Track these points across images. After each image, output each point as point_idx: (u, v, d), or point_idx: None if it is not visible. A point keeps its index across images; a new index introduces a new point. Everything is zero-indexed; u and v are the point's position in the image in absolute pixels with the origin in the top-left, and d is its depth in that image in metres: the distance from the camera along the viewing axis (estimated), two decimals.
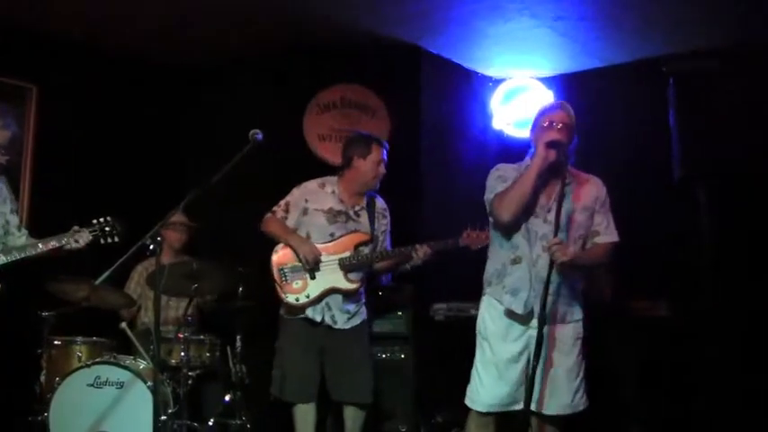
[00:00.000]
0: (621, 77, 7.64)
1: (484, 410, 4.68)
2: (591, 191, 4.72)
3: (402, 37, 7.26)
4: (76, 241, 5.17)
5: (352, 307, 5.74)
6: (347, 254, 5.69)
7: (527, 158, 4.74)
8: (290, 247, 5.71)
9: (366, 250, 5.76)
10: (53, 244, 5.10)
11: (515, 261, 4.64)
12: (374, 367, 5.91)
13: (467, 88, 7.97)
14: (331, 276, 5.67)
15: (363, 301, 5.86)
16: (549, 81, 7.99)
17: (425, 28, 7.10)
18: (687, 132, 7.20)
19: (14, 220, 5.26)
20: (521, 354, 4.63)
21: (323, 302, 5.66)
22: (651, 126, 7.25)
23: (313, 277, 5.66)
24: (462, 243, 5.53)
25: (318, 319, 5.66)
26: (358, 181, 5.82)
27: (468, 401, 4.74)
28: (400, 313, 6.57)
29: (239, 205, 6.74)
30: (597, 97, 7.69)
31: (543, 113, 4.72)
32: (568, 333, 4.65)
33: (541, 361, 4.39)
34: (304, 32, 7.20)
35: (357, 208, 5.84)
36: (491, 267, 4.80)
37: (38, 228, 5.35)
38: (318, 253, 5.65)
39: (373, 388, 5.79)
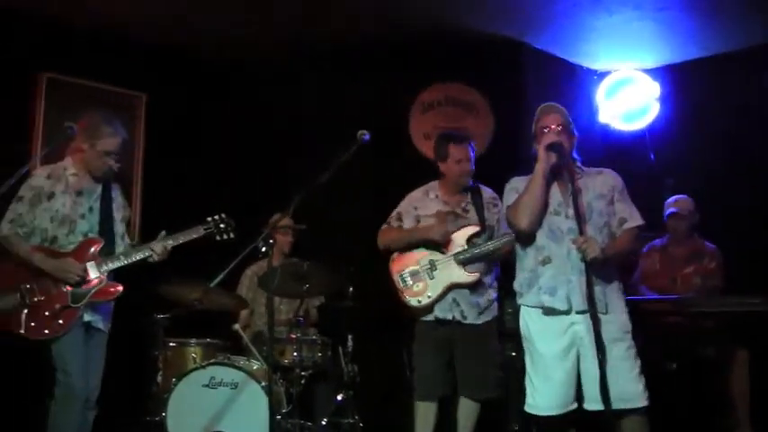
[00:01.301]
0: (727, 66, 7.48)
1: (540, 414, 4.63)
2: (605, 181, 4.78)
3: (505, 33, 7.22)
4: (153, 250, 5.22)
5: (481, 301, 5.71)
6: (461, 248, 5.68)
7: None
8: (417, 238, 5.75)
9: (480, 241, 5.74)
10: (139, 256, 5.18)
11: (545, 261, 4.67)
12: (502, 360, 5.91)
13: (571, 83, 7.88)
14: (449, 273, 5.66)
15: (495, 297, 5.82)
16: (654, 72, 7.85)
17: (529, 24, 7.05)
18: None
19: (122, 229, 5.37)
20: (567, 351, 4.59)
21: (450, 299, 5.66)
22: (761, 115, 7.13)
23: (432, 278, 5.67)
24: None
25: (449, 317, 5.65)
26: (450, 182, 5.86)
27: (525, 407, 4.71)
28: (510, 310, 6.50)
29: (347, 206, 6.77)
30: (703, 87, 7.57)
31: (537, 122, 4.81)
32: (616, 325, 4.58)
33: (590, 355, 4.38)
34: (406, 31, 7.20)
35: (463, 204, 5.86)
36: (520, 277, 4.83)
37: (150, 233, 5.45)
38: (444, 227, 5.68)
39: (499, 384, 5.77)
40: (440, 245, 5.68)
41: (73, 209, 5.09)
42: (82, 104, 6.53)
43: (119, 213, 5.35)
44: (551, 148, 4.61)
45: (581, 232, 4.42)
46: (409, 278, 5.71)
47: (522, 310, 4.79)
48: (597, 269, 4.53)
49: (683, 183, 6.96)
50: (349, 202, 6.91)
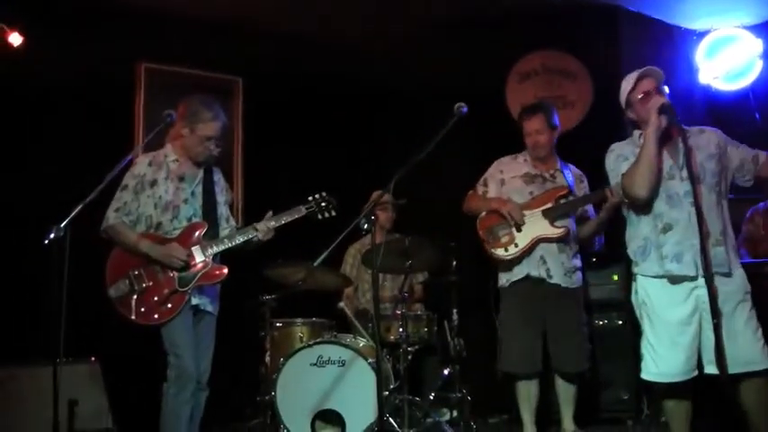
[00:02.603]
0: None
1: (657, 380, 4.56)
2: (710, 139, 4.66)
3: None
4: (257, 230, 5.25)
5: (567, 261, 5.68)
6: (550, 205, 5.68)
7: (635, 135, 4.76)
8: (494, 209, 5.75)
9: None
10: (242, 238, 5.22)
11: (666, 228, 4.57)
12: (591, 334, 5.86)
13: (669, 44, 7.70)
14: (537, 226, 5.67)
15: (580, 266, 5.79)
16: (757, 29, 7.62)
17: None
18: None
19: (225, 211, 5.43)
20: (692, 316, 4.49)
21: (537, 256, 5.65)
22: None
23: (519, 230, 5.67)
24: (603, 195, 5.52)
25: (535, 273, 5.64)
26: (531, 153, 5.89)
27: (645, 375, 4.63)
28: (616, 278, 6.45)
29: (447, 180, 6.75)
30: None
31: (632, 89, 4.72)
32: (736, 284, 4.50)
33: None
34: (499, 2, 7.13)
35: (552, 171, 5.87)
36: (634, 245, 4.73)
37: (252, 215, 5.50)
38: (520, 208, 5.68)
39: (588, 356, 5.72)
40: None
41: (176, 194, 5.16)
42: (180, 92, 6.61)
43: (222, 197, 5.41)
44: (663, 110, 4.48)
45: (695, 194, 4.29)
46: (497, 230, 5.73)
47: (638, 280, 4.71)
48: (723, 227, 4.51)
49: None
50: (449, 175, 6.89)
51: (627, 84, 4.76)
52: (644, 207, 4.64)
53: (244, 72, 7.60)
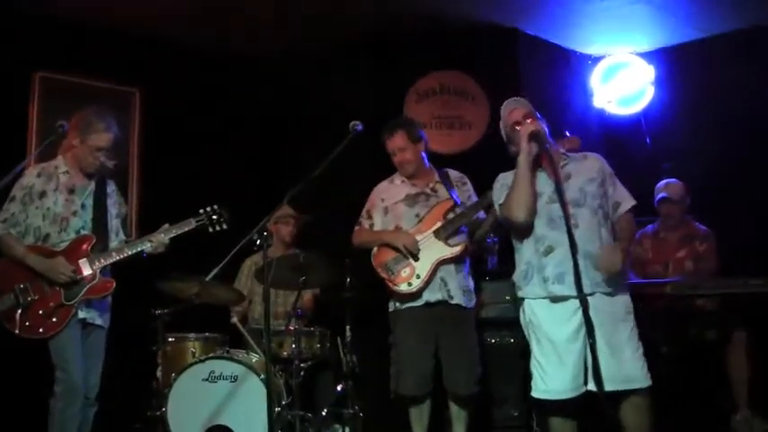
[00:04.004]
0: (723, 47, 7.48)
1: (545, 398, 4.65)
2: (592, 165, 4.81)
3: (499, 20, 7.22)
4: (151, 242, 5.20)
5: (463, 280, 5.71)
6: (439, 224, 5.68)
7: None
8: (386, 243, 5.74)
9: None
10: (132, 251, 5.17)
11: (548, 251, 4.68)
12: (483, 353, 5.90)
13: (566, 68, 7.88)
14: (433, 250, 5.66)
15: (473, 286, 5.84)
16: (650, 56, 7.84)
17: (522, 10, 7.05)
18: None
19: (116, 225, 5.37)
20: (576, 333, 4.60)
21: (438, 279, 5.65)
22: (757, 94, 7.12)
23: (417, 259, 5.66)
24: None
25: (438, 297, 5.63)
26: (400, 170, 5.89)
27: (534, 393, 4.71)
28: (508, 297, 6.53)
29: (344, 196, 6.78)
30: (699, 69, 7.57)
31: (504, 122, 4.90)
32: (619, 304, 4.64)
33: (597, 337, 4.26)
34: (400, 20, 7.20)
35: (431, 185, 5.86)
36: (518, 270, 4.85)
37: (147, 228, 5.44)
38: (413, 236, 5.66)
39: (478, 379, 5.75)
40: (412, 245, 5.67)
41: (65, 206, 5.09)
42: (76, 102, 6.51)
43: (114, 209, 5.35)
44: (533, 137, 4.62)
45: (567, 218, 4.33)
46: (394, 266, 5.70)
47: (525, 303, 4.80)
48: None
49: (680, 166, 6.95)
50: (347, 192, 6.92)
51: (502, 120, 4.92)
52: (526, 231, 4.74)
53: (142, 84, 7.49)
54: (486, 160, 6.67)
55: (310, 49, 7.73)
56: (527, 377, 6.30)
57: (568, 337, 4.60)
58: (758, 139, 7.08)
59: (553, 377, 4.63)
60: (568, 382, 4.59)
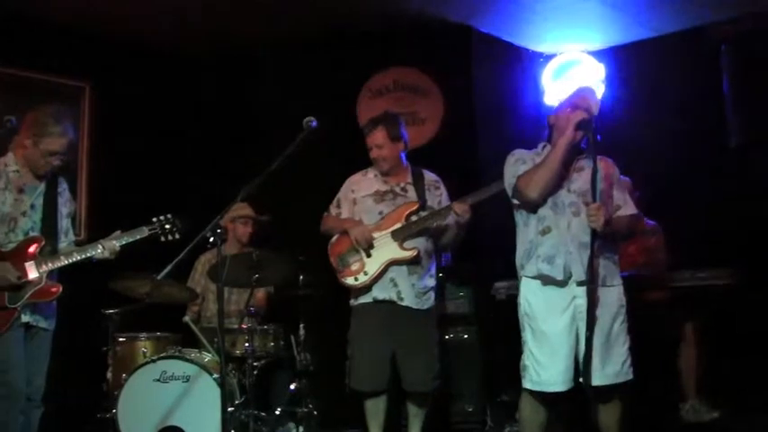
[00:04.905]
0: (673, 47, 7.55)
1: (537, 389, 4.65)
2: (605, 167, 4.79)
3: (452, 17, 7.22)
4: (103, 248, 5.13)
5: (418, 283, 5.67)
6: (399, 225, 5.66)
7: (541, 146, 4.88)
8: (346, 232, 5.72)
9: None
10: (80, 256, 5.09)
11: (545, 231, 4.69)
12: (440, 349, 5.89)
13: (518, 66, 7.91)
14: (387, 249, 5.63)
15: (433, 285, 5.80)
16: (601, 54, 7.89)
17: (475, 7, 7.05)
18: (743, 98, 7.17)
19: (66, 225, 5.28)
20: (570, 326, 4.61)
21: (388, 279, 5.62)
22: (705, 94, 7.21)
23: (369, 255, 5.64)
24: None
25: (386, 296, 5.61)
26: (375, 165, 5.86)
27: (527, 384, 4.70)
28: (462, 294, 6.55)
29: (302, 195, 6.76)
30: (649, 68, 7.64)
31: (568, 101, 4.82)
32: (613, 297, 4.66)
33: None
34: (353, 17, 7.17)
35: (403, 184, 5.83)
36: (520, 249, 4.84)
37: (95, 228, 5.37)
38: (369, 231, 5.64)
39: (437, 374, 5.74)
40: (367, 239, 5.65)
41: (14, 206, 4.98)
42: (24, 96, 6.42)
43: (65, 209, 5.25)
44: (581, 125, 4.59)
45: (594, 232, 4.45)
46: (347, 258, 5.69)
47: (522, 283, 4.80)
48: (603, 241, 4.60)
49: (631, 164, 6.98)
50: (303, 191, 6.89)
51: (570, 95, 4.86)
52: (533, 210, 4.73)
53: (92, 79, 7.38)
54: (440, 156, 6.70)
55: (264, 45, 7.68)
56: (483, 372, 6.39)
57: (562, 330, 4.61)
58: (705, 137, 7.16)
59: (548, 369, 4.62)
60: (561, 375, 4.60)
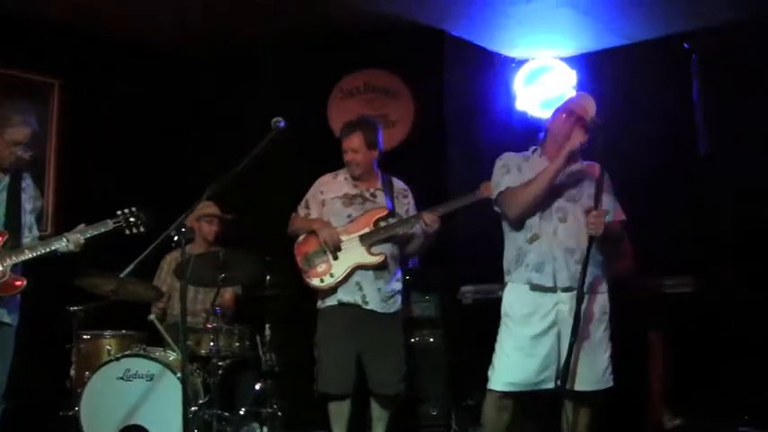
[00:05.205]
0: (645, 54, 7.54)
1: (506, 390, 4.68)
2: (595, 173, 4.80)
3: (425, 20, 7.18)
4: (68, 241, 5.09)
5: (384, 287, 5.69)
6: (367, 230, 5.68)
7: (531, 149, 4.93)
8: (313, 232, 5.73)
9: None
10: (45, 249, 5.06)
11: (533, 239, 4.72)
12: (405, 352, 5.90)
13: (490, 70, 7.88)
14: (354, 253, 5.65)
15: (400, 289, 5.82)
16: (573, 60, 7.89)
17: (448, 10, 7.01)
18: (712, 107, 7.21)
19: (30, 220, 5.24)
20: (549, 329, 4.65)
21: (353, 282, 5.64)
22: (676, 102, 7.24)
23: (336, 258, 5.66)
24: (482, 195, 5.50)
25: (351, 299, 5.63)
26: (348, 168, 5.87)
27: (494, 385, 4.73)
28: (428, 297, 6.56)
29: (271, 195, 6.74)
30: (621, 75, 7.63)
31: (575, 107, 4.82)
32: (598, 305, 4.70)
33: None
34: (326, 18, 7.17)
35: (373, 189, 5.86)
36: (508, 255, 4.87)
37: (63, 223, 5.33)
38: (337, 233, 5.66)
39: (403, 377, 5.77)
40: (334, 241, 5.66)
41: None
42: None
43: (29, 204, 5.21)
44: (591, 125, 4.65)
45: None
46: (313, 259, 5.70)
47: (509, 287, 4.82)
48: (593, 248, 4.61)
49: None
50: (272, 191, 6.88)
51: (568, 108, 4.86)
52: (515, 222, 4.77)
53: (62, 75, 7.33)
54: (409, 159, 6.72)
55: (236, 44, 7.67)
56: (448, 375, 6.40)
57: (540, 332, 4.64)
58: (677, 144, 7.18)
59: (514, 368, 4.66)
60: (533, 375, 4.63)
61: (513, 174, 4.79)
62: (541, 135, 4.95)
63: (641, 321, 6.17)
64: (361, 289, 5.64)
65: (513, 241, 4.84)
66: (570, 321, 4.54)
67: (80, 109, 7.38)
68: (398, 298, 5.81)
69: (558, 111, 4.88)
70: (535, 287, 4.68)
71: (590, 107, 4.79)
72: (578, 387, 4.60)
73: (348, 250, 5.66)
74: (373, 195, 5.83)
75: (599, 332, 4.67)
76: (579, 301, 4.47)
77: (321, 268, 5.68)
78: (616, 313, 5.27)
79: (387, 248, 5.71)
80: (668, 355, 6.21)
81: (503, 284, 4.89)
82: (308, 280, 5.70)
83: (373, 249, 5.66)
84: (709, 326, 6.38)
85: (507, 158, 4.91)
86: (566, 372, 4.48)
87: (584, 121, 4.70)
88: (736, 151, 6.97)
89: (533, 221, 4.72)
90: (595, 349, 4.63)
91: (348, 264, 5.64)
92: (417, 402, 6.45)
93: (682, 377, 6.25)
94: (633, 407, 6.17)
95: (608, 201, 4.80)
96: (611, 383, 4.66)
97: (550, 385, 4.64)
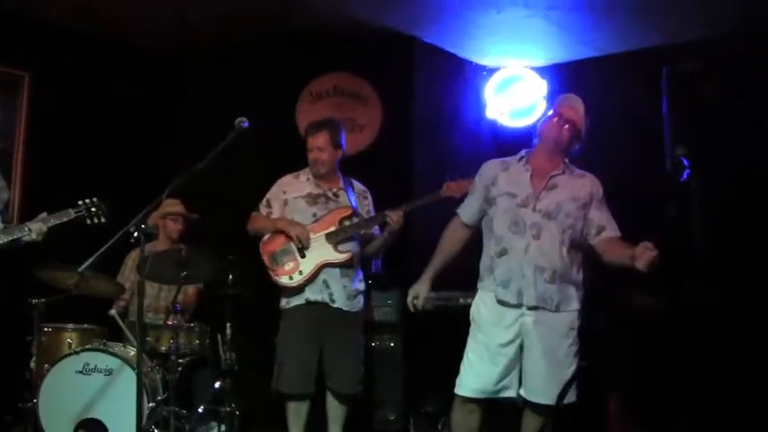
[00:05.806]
0: (616, 67, 7.61)
1: (471, 395, 4.72)
2: (584, 185, 4.80)
3: (396, 26, 7.23)
4: (30, 230, 5.10)
5: (349, 285, 5.77)
6: (333, 228, 5.74)
7: (519, 155, 4.94)
8: (280, 230, 5.77)
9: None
10: (6, 238, 5.05)
11: (501, 253, 4.73)
12: (364, 356, 5.96)
13: (460, 78, 7.94)
14: (321, 251, 5.71)
15: (363, 290, 5.90)
16: (543, 71, 7.95)
17: (419, 17, 7.06)
18: (680, 125, 7.26)
19: None
20: (512, 341, 4.68)
21: (320, 281, 5.70)
22: (645, 115, 7.29)
23: (303, 256, 5.71)
24: (444, 194, 5.57)
25: (318, 298, 5.69)
26: (311, 167, 5.92)
27: (460, 390, 4.77)
28: (390, 302, 6.58)
29: (236, 194, 6.75)
30: (591, 87, 7.66)
31: (571, 110, 4.89)
32: (563, 322, 4.69)
33: (533, 348, 4.59)
34: (297, 20, 7.18)
35: (335, 189, 5.92)
36: (483, 260, 4.90)
37: (32, 214, 5.32)
38: (308, 230, 5.72)
39: (361, 378, 5.83)
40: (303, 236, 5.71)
41: None
42: None
43: None
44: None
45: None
46: (281, 257, 5.74)
47: (479, 293, 4.86)
48: (564, 266, 4.66)
49: None
50: (237, 190, 6.89)
51: (556, 103, 4.98)
52: (492, 227, 4.81)
53: (31, 67, 7.32)
54: (375, 164, 6.75)
55: (205, 44, 7.70)
56: (406, 380, 6.42)
57: (504, 342, 4.68)
58: (642, 159, 7.23)
59: (477, 374, 4.70)
60: (493, 383, 4.68)
61: (475, 196, 4.93)
62: (535, 141, 4.95)
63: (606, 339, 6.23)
64: (328, 287, 5.70)
65: (486, 249, 4.87)
66: (534, 333, 4.60)
67: (49, 102, 7.36)
68: (361, 298, 5.89)
69: (546, 112, 4.98)
70: (500, 301, 4.71)
71: (580, 110, 4.86)
72: (538, 399, 4.65)
73: (315, 248, 5.71)
74: (336, 195, 5.89)
75: (564, 348, 4.67)
76: (541, 316, 4.57)
77: (289, 266, 5.73)
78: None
79: (352, 247, 5.79)
80: (630, 370, 6.26)
81: (464, 291, 4.94)
82: (277, 278, 5.74)
83: (340, 247, 5.73)
84: (678, 341, 6.42)
85: (483, 171, 4.97)
86: (527, 383, 4.61)
87: (575, 124, 4.79)
88: (705, 169, 7.04)
89: (504, 233, 4.72)
90: (559, 364, 4.64)
91: (316, 261, 5.69)
92: (375, 406, 6.47)
93: (647, 394, 6.29)
94: (595, 423, 6.23)
95: (602, 216, 4.80)
96: (573, 399, 4.65)
97: (510, 394, 4.70)
